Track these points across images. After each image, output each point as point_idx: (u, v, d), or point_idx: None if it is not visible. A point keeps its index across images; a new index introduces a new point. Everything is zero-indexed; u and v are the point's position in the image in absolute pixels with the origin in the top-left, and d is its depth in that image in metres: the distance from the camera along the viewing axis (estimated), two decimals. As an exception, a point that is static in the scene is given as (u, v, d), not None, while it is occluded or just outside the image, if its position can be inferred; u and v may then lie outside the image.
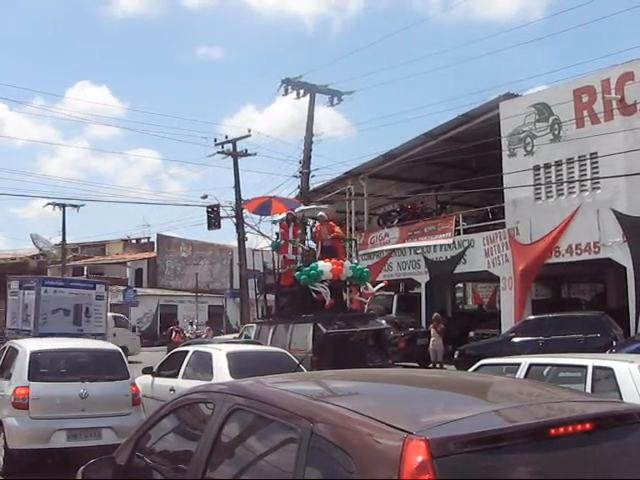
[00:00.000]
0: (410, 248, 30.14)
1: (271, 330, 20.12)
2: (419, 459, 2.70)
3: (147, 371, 14.30)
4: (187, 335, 36.95)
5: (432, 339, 24.63)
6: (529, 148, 24.80)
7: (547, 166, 24.38)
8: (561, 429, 3.01)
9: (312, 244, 22.99)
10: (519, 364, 8.99)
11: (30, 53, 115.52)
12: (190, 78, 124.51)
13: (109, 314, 31.61)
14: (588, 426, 3.10)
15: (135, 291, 52.33)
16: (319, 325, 18.41)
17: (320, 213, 22.72)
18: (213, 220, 35.90)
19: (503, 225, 26.08)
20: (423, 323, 27.95)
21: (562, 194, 24.10)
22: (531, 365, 8.88)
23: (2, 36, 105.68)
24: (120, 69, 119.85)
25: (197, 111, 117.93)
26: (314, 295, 19.78)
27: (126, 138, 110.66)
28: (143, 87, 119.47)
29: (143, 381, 13.48)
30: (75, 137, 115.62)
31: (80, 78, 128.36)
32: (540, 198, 24.70)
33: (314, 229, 22.64)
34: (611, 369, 8.10)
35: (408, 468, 2.69)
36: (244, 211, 35.70)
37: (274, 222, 24.29)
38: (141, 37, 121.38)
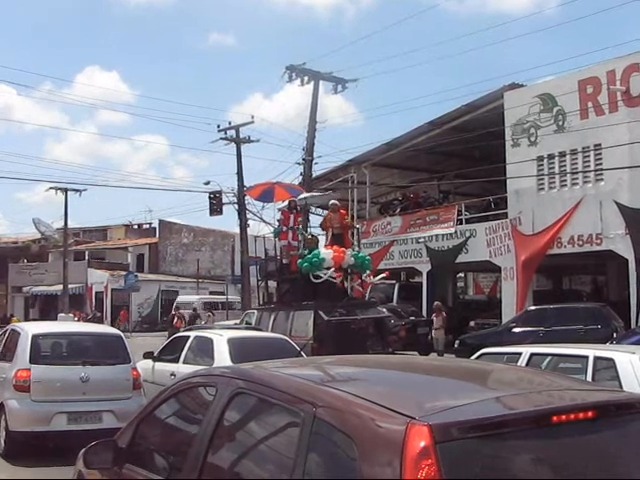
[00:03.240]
0: (412, 237, 30.13)
1: (272, 317, 20.15)
2: (422, 444, 2.71)
3: (148, 356, 14.32)
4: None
5: (434, 328, 24.77)
6: (533, 138, 24.76)
7: (550, 157, 24.34)
8: (563, 416, 3.02)
9: (315, 231, 23.02)
10: (520, 353, 9.00)
11: (40, 38, 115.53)
12: (201, 65, 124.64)
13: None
14: (590, 414, 3.10)
15: (136, 276, 52.34)
16: (320, 312, 18.43)
17: (332, 201, 22.73)
18: (215, 206, 35.87)
19: (505, 215, 26.07)
20: (424, 312, 27.97)
21: (565, 185, 24.07)
22: (532, 355, 8.88)
23: (12, 20, 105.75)
24: (131, 55, 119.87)
25: (207, 98, 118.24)
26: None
27: (135, 124, 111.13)
28: (154, 73, 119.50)
29: (144, 366, 13.48)
30: (84, 122, 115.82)
31: (90, 63, 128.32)
32: (543, 189, 24.67)
33: (326, 217, 22.62)
34: (612, 360, 8.11)
35: (411, 453, 2.70)
36: (246, 197, 35.67)
37: (279, 209, 24.29)
38: (153, 24, 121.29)
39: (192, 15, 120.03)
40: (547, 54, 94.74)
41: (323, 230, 22.37)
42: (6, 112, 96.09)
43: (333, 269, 19.75)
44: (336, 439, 3.01)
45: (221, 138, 37.43)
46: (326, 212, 25.74)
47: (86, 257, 60.76)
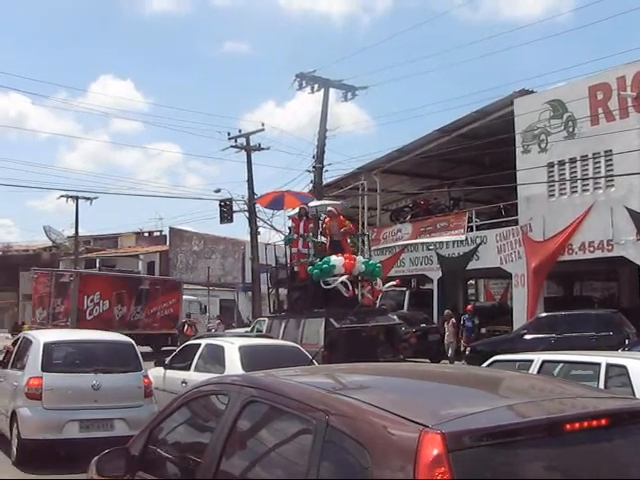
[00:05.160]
0: (422, 244, 30.12)
1: (283, 324, 20.16)
2: (435, 452, 2.71)
3: (159, 363, 14.35)
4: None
5: (446, 334, 24.90)
6: (543, 145, 24.74)
7: (561, 163, 24.31)
8: (576, 424, 3.01)
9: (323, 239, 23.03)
10: (532, 361, 8.98)
11: (55, 47, 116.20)
12: (215, 73, 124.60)
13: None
14: (603, 422, 3.10)
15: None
16: (331, 320, 18.43)
17: (329, 208, 22.74)
18: (226, 214, 35.91)
19: (516, 222, 26.05)
20: (435, 319, 27.95)
21: (576, 191, 24.04)
22: (544, 362, 8.86)
23: (27, 29, 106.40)
24: (145, 63, 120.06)
25: (220, 106, 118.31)
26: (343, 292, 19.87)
27: (148, 132, 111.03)
28: (168, 81, 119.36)
29: (155, 373, 13.50)
30: (97, 131, 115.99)
31: (104, 72, 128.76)
32: (554, 195, 24.64)
33: (324, 224, 22.65)
34: (625, 367, 8.08)
35: (424, 461, 2.70)
36: (257, 205, 35.72)
37: (289, 217, 24.32)
38: (168, 32, 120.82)
39: (207, 23, 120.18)
40: (559, 60, 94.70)
41: (324, 237, 22.38)
42: (21, 121, 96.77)
43: (345, 277, 19.75)
44: (349, 447, 3.01)
45: (231, 146, 37.52)
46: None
47: (97, 265, 60.84)
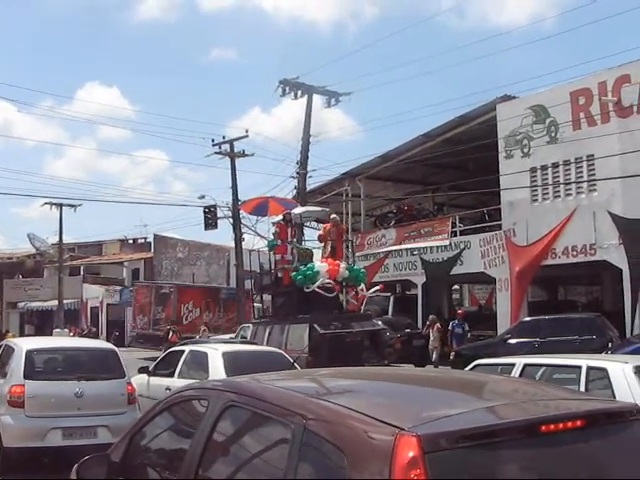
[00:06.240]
0: (407, 249, 30.16)
1: (267, 330, 20.16)
2: (410, 454, 2.72)
3: (143, 370, 14.30)
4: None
5: (431, 339, 24.94)
6: (526, 150, 24.84)
7: (544, 168, 24.41)
8: (552, 426, 3.03)
9: (309, 245, 23.08)
10: (514, 364, 9.02)
11: (42, 54, 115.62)
12: (203, 80, 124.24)
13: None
14: (579, 423, 3.12)
15: (131, 291, 52.20)
16: (315, 325, 18.46)
17: (333, 215, 22.89)
18: (210, 220, 35.82)
19: (499, 227, 26.13)
20: (419, 324, 27.97)
21: (558, 196, 24.14)
22: (526, 365, 8.90)
23: (14, 37, 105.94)
24: (132, 71, 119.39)
25: (208, 113, 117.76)
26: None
27: (135, 139, 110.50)
28: (155, 89, 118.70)
29: (139, 380, 13.45)
30: (84, 138, 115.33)
31: (90, 79, 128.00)
32: (537, 200, 24.74)
33: (323, 229, 22.66)
34: (605, 370, 8.12)
35: (399, 463, 2.71)
36: (241, 211, 35.66)
37: (274, 223, 24.33)
38: (155, 40, 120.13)
39: (195, 30, 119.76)
40: (545, 65, 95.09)
41: (321, 242, 22.41)
42: (7, 128, 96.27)
43: (326, 279, 19.78)
44: (326, 451, 3.02)
45: (215, 152, 37.41)
46: (321, 225, 25.86)
47: (81, 272, 60.61)
